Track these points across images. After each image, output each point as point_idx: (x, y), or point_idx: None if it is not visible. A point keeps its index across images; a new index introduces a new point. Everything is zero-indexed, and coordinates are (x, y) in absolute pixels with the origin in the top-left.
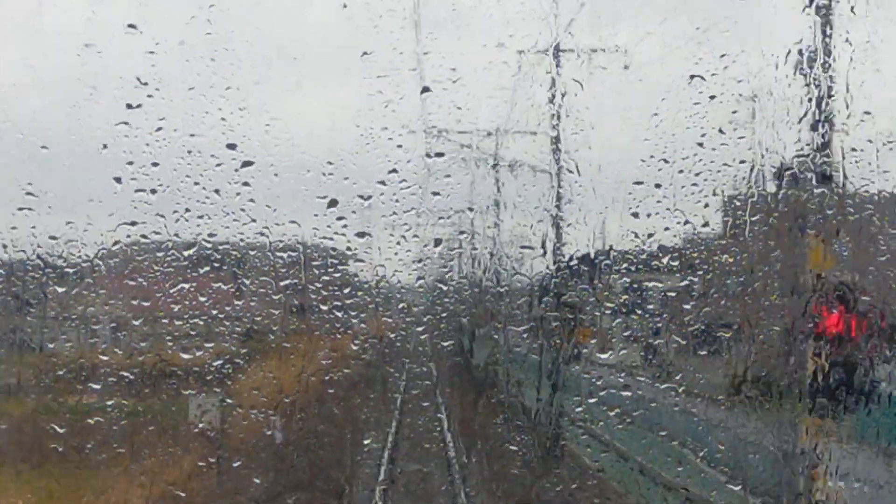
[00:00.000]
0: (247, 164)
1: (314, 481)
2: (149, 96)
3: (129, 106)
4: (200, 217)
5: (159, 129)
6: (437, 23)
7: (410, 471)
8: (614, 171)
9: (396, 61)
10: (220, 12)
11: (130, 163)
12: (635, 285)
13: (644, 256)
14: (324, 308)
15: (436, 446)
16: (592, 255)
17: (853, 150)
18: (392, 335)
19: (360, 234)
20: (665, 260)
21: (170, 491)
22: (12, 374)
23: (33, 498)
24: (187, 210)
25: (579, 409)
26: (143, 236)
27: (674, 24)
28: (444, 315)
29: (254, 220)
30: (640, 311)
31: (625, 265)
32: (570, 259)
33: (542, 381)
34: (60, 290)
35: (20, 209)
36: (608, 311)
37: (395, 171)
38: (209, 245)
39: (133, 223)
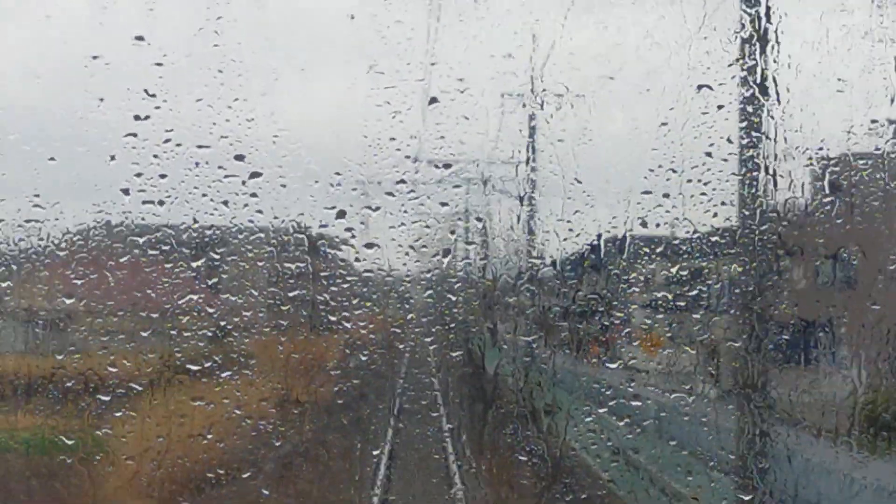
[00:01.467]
0: (255, 175)
1: None
2: (156, 108)
3: (136, 117)
4: (209, 229)
5: (167, 140)
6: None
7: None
8: (622, 181)
9: (404, 72)
10: (228, 24)
11: (139, 174)
12: (681, 275)
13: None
14: (332, 319)
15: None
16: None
17: (861, 158)
18: (401, 346)
19: (369, 245)
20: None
21: None
22: None
23: None
24: (195, 221)
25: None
26: (154, 247)
27: (681, 33)
28: (452, 325)
29: (261, 232)
30: (684, 306)
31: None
32: (575, 255)
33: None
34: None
35: (27, 221)
36: (642, 308)
37: (403, 181)
38: (217, 256)
39: (140, 235)
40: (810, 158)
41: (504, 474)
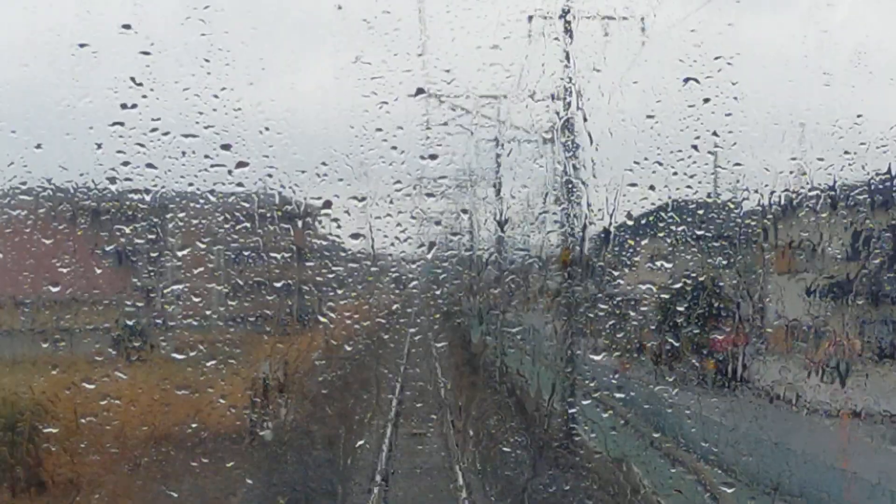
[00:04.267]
0: (241, 164)
1: None
2: (143, 97)
3: (123, 106)
4: (195, 218)
5: (154, 129)
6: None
7: None
8: (609, 173)
9: (391, 62)
10: (215, 13)
11: (125, 163)
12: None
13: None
14: (317, 310)
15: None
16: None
17: (846, 152)
18: (385, 336)
19: (355, 236)
20: None
21: None
22: None
23: None
24: (182, 211)
25: None
26: (140, 236)
27: (668, 26)
28: (437, 316)
29: (248, 222)
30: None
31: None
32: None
33: None
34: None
35: (14, 210)
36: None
37: (389, 172)
38: (203, 245)
39: (127, 223)
40: None
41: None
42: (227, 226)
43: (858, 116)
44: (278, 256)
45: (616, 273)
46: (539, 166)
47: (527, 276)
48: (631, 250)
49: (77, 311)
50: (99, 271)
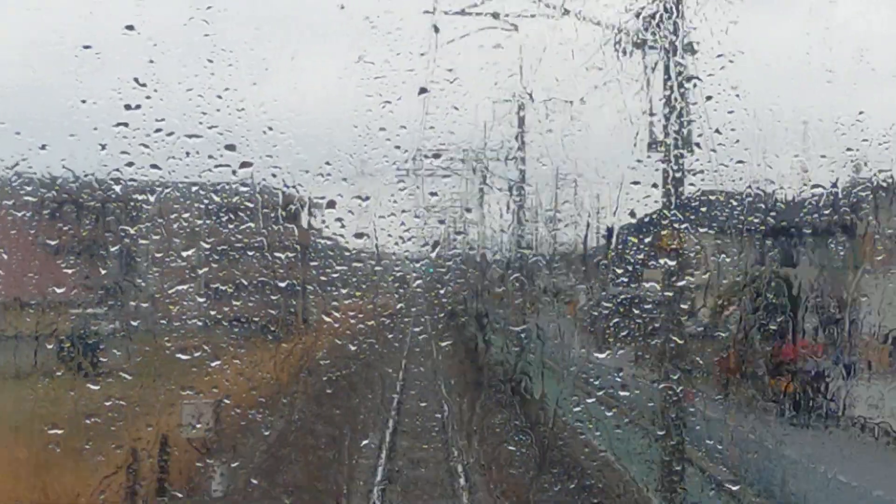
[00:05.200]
0: (245, 164)
1: None
2: (147, 97)
3: (127, 107)
4: (199, 218)
5: (158, 130)
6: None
7: None
8: (612, 172)
9: (394, 62)
10: (218, 14)
11: (130, 164)
12: None
13: None
14: (322, 310)
15: None
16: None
17: (848, 149)
18: (390, 335)
19: (358, 235)
20: None
21: None
22: None
23: None
24: (186, 211)
25: None
26: (144, 237)
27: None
28: (441, 315)
29: (252, 222)
30: None
31: None
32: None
33: None
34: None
35: (18, 210)
36: None
37: (392, 171)
38: (207, 246)
39: (132, 223)
40: None
41: None
42: (231, 226)
43: (860, 113)
44: (282, 256)
45: (676, 272)
46: (542, 165)
47: (532, 275)
48: (639, 249)
49: (82, 312)
50: (103, 272)
